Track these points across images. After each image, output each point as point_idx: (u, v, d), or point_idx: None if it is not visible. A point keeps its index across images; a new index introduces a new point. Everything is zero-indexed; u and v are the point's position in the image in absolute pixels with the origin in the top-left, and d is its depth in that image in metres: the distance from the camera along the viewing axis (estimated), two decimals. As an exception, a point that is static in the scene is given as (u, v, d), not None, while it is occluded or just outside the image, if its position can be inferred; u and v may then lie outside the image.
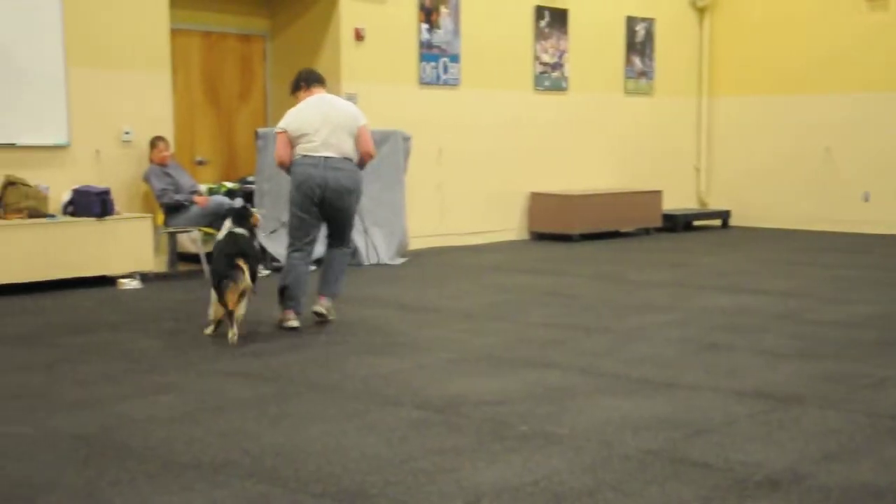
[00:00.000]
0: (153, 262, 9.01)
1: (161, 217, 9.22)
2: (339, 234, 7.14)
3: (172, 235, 9.48)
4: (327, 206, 6.90)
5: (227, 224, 6.68)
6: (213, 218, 9.25)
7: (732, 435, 4.46)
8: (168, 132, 9.46)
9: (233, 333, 6.28)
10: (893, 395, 5.16)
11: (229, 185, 10.14)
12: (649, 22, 14.32)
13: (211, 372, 5.59)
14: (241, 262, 6.29)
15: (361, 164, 7.09)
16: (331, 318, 6.99)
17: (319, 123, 6.90)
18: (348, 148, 6.94)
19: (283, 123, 7.01)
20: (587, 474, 3.94)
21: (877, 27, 13.59)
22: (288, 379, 5.45)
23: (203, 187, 9.79)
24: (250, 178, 10.02)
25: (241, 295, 6.30)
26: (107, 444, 4.27)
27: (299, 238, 6.96)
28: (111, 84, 9.16)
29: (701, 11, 14.97)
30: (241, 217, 6.77)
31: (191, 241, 9.54)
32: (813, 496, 3.72)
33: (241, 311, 6.33)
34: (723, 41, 14.92)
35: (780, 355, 6.09)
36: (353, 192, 6.97)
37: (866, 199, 13.83)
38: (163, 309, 7.63)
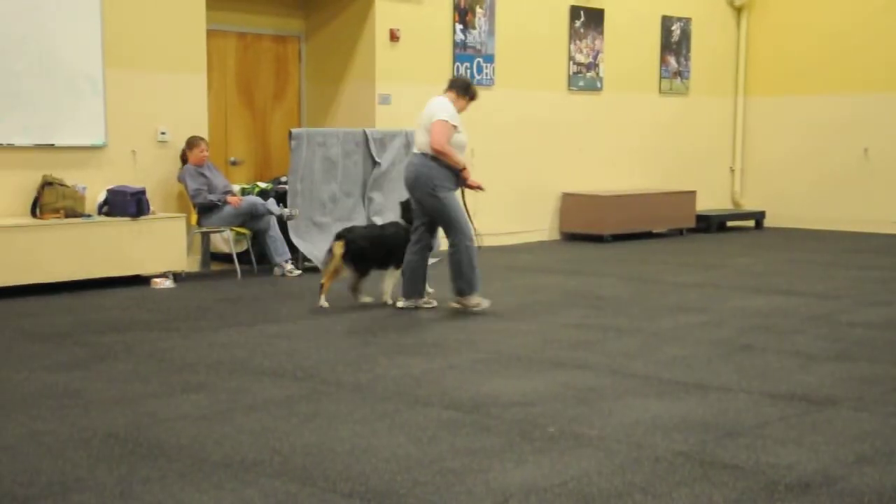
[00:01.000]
0: (186, 261, 9.09)
1: (195, 217, 9.29)
2: (442, 229, 7.54)
3: (205, 235, 9.55)
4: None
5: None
6: (246, 218, 9.32)
7: (764, 437, 4.42)
8: (203, 132, 9.53)
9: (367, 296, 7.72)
10: (929, 399, 5.09)
11: (262, 185, 10.20)
12: (685, 21, 14.22)
13: (242, 371, 5.63)
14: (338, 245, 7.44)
15: (435, 158, 7.38)
16: (468, 309, 7.40)
17: (418, 122, 7.57)
18: (422, 142, 7.40)
19: None
20: (616, 476, 3.92)
21: (916, 26, 13.42)
22: (319, 379, 5.47)
23: (236, 187, 9.86)
24: (283, 179, 10.08)
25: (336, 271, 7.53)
26: (138, 443, 4.31)
27: (414, 228, 7.55)
28: (148, 85, 9.25)
29: (738, 10, 14.84)
30: (406, 210, 7.76)
31: (223, 240, 9.61)
32: (845, 499, 3.68)
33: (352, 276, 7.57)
34: (759, 40, 14.80)
35: (814, 357, 6.03)
36: (414, 186, 7.44)
37: (904, 200, 13.66)
38: (195, 308, 7.69)
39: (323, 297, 7.63)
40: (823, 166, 14.14)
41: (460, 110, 7.50)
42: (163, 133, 9.37)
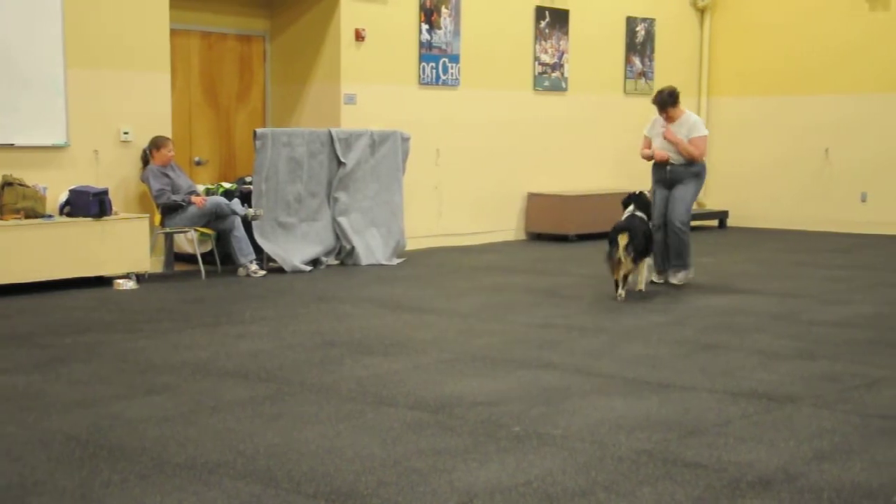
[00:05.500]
0: (149, 262, 9.02)
1: (158, 217, 9.22)
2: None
3: (169, 236, 9.48)
4: None
5: (630, 209, 8.51)
6: (211, 218, 9.26)
7: (726, 435, 4.46)
8: (166, 132, 9.45)
9: (619, 294, 8.07)
10: (887, 396, 5.17)
11: (227, 185, 10.15)
12: (649, 22, 14.32)
13: (206, 372, 5.60)
14: (622, 237, 7.98)
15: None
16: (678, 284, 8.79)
17: None
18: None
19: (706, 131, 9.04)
20: (580, 475, 3.94)
21: (877, 27, 13.59)
22: (283, 379, 5.45)
23: (200, 188, 9.80)
24: (248, 179, 10.03)
25: (619, 263, 8.01)
26: (100, 445, 4.27)
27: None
28: (110, 84, 9.16)
29: (701, 12, 14.96)
30: (642, 203, 8.56)
31: (187, 241, 9.54)
32: (804, 496, 3.72)
33: (622, 272, 8.06)
34: (722, 42, 14.92)
35: (776, 355, 6.10)
36: None
37: (864, 200, 13.83)
38: (158, 309, 7.64)
39: (621, 290, 8.09)
40: (785, 167, 14.29)
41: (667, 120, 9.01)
42: (126, 133, 9.29)
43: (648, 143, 9.08)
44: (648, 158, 9.11)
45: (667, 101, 8.94)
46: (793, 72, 14.22)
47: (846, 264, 10.56)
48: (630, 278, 8.22)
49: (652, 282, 8.80)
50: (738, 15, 14.75)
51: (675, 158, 8.87)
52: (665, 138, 8.87)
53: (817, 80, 14.06)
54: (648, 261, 8.56)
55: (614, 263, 8.10)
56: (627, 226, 8.19)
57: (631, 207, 8.54)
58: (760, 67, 14.38)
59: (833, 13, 13.91)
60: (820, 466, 4.05)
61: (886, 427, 4.61)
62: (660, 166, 8.98)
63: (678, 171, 8.88)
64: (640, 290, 8.43)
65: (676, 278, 8.89)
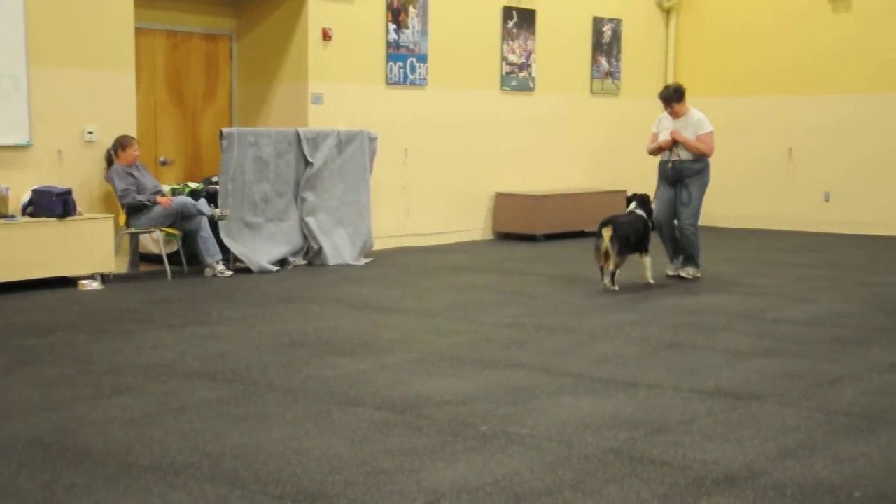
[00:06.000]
0: (114, 263, 8.94)
1: (123, 217, 9.14)
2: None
3: (134, 236, 9.41)
4: None
5: (632, 206, 8.96)
6: (177, 218, 9.20)
7: (692, 433, 4.50)
8: (132, 132, 9.37)
9: (606, 284, 8.52)
10: (849, 393, 5.23)
11: (193, 185, 10.08)
12: (616, 22, 14.39)
13: (172, 373, 5.56)
14: (606, 230, 8.41)
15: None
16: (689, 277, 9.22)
17: None
18: None
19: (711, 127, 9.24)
20: (547, 474, 3.96)
21: (840, 29, 13.74)
22: (250, 380, 5.43)
23: (166, 187, 9.73)
24: (214, 179, 9.97)
25: (606, 254, 8.46)
26: (64, 448, 4.23)
27: None
28: (74, 83, 9.07)
29: (667, 12, 15.07)
30: (644, 202, 8.99)
31: (153, 241, 9.47)
32: (768, 493, 3.76)
33: (611, 267, 8.49)
34: (688, 42, 15.03)
35: (741, 354, 6.15)
36: None
37: (827, 200, 13.99)
38: (123, 310, 7.57)
39: (606, 280, 8.53)
40: (749, 166, 14.40)
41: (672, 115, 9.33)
42: (90, 132, 9.20)
43: (654, 139, 9.38)
44: (656, 152, 9.37)
45: (672, 97, 9.27)
46: (757, 72, 14.34)
47: (810, 263, 10.67)
48: (617, 273, 8.57)
49: (668, 275, 9.30)
50: (704, 16, 14.86)
51: (682, 155, 9.17)
52: (673, 137, 9.15)
53: (781, 81, 14.20)
54: (648, 259, 8.90)
55: (600, 254, 8.54)
56: (611, 220, 8.56)
57: (633, 205, 9.01)
58: (725, 68, 14.49)
59: (797, 15, 14.05)
60: (784, 463, 4.10)
61: (849, 424, 4.67)
62: (666, 163, 9.29)
63: (683, 167, 9.22)
64: (649, 283, 8.86)
65: (686, 272, 9.34)
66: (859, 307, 7.87)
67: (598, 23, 14.13)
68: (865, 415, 4.82)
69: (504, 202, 12.84)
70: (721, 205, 14.69)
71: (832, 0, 13.76)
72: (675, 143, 9.17)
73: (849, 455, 4.21)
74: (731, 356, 6.08)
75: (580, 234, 13.36)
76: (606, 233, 8.45)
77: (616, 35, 14.40)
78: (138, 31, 9.81)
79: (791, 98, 14.16)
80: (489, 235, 12.93)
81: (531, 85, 13.26)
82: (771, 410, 4.89)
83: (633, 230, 8.64)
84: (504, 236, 12.92)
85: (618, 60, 14.45)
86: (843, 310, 7.75)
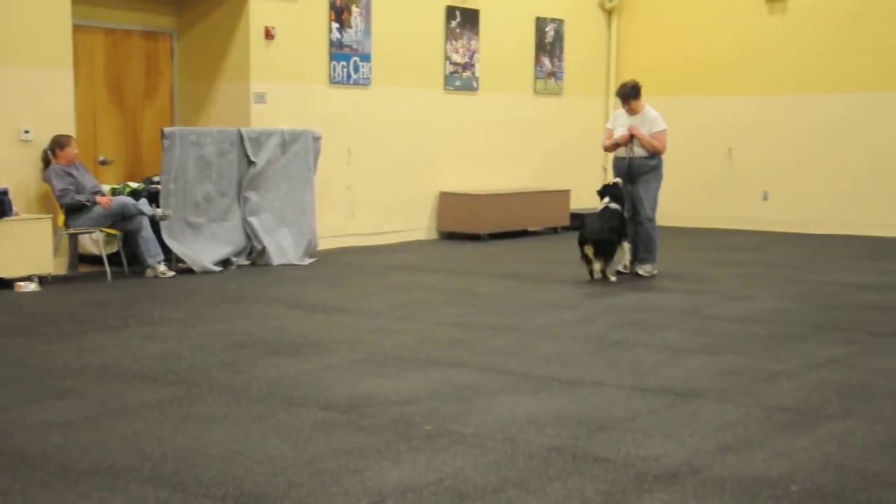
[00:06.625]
0: (53, 264, 8.78)
1: (62, 218, 8.99)
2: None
3: (73, 237, 9.26)
4: None
5: (606, 200, 9.13)
6: (117, 219, 9.07)
7: (633, 430, 4.55)
8: (70, 131, 9.22)
9: (593, 277, 9.00)
10: (786, 389, 5.33)
11: (134, 185, 9.95)
12: (558, 23, 14.49)
13: (111, 376, 5.48)
14: (587, 249, 8.87)
15: None
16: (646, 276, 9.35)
17: None
18: None
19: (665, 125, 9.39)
20: (491, 472, 3.97)
21: (776, 30, 14.00)
22: (192, 382, 5.37)
23: (106, 187, 9.58)
24: (156, 178, 9.84)
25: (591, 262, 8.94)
26: None
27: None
28: (9, 81, 8.89)
29: (609, 13, 15.21)
30: (616, 195, 9.13)
31: (93, 242, 9.33)
32: (708, 488, 3.82)
33: (599, 264, 8.95)
34: (629, 42, 15.19)
35: (682, 351, 6.23)
36: None
37: (765, 199, 14.24)
38: (61, 312, 7.45)
39: (597, 276, 8.96)
40: (691, 165, 14.58)
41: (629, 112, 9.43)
42: (26, 132, 9.03)
43: (610, 135, 9.53)
44: (611, 148, 9.56)
45: (629, 94, 9.40)
46: (697, 72, 14.55)
47: (748, 261, 10.84)
48: (602, 267, 9.02)
49: (618, 272, 9.26)
50: (645, 16, 15.03)
51: (637, 151, 9.31)
52: (630, 133, 9.28)
53: (720, 81, 14.42)
54: (626, 244, 9.24)
55: (587, 262, 9.02)
56: (590, 234, 8.92)
57: (606, 199, 9.16)
58: (666, 68, 14.67)
59: (735, 16, 14.28)
60: (723, 459, 4.16)
61: (786, 419, 4.75)
62: (621, 160, 9.42)
63: (640, 164, 9.34)
64: (625, 268, 9.31)
65: (643, 269, 9.41)
66: (796, 304, 8.02)
67: (540, 23, 14.22)
68: (802, 410, 4.91)
69: (448, 202, 12.86)
70: (662, 204, 14.84)
71: (769, 1, 14.01)
72: (631, 140, 9.28)
73: (786, 449, 4.29)
74: (672, 354, 6.16)
75: (524, 234, 13.45)
76: (589, 251, 8.90)
77: (559, 35, 14.50)
78: (76, 29, 9.65)
79: (730, 98, 14.38)
80: (434, 235, 12.94)
81: (475, 84, 13.30)
82: (711, 407, 4.96)
83: (610, 231, 8.97)
84: (448, 236, 12.94)
85: (561, 60, 14.56)
86: (781, 307, 7.89)
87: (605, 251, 8.95)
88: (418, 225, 12.76)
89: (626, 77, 14.87)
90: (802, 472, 4.01)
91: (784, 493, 3.78)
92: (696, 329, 6.95)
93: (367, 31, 11.82)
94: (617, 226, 9.06)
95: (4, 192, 8.44)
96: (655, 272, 9.45)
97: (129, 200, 9.17)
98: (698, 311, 7.66)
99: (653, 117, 9.39)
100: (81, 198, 8.95)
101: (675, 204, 14.69)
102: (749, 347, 6.36)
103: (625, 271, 9.31)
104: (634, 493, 3.76)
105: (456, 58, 13.01)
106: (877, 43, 13.29)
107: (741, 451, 4.26)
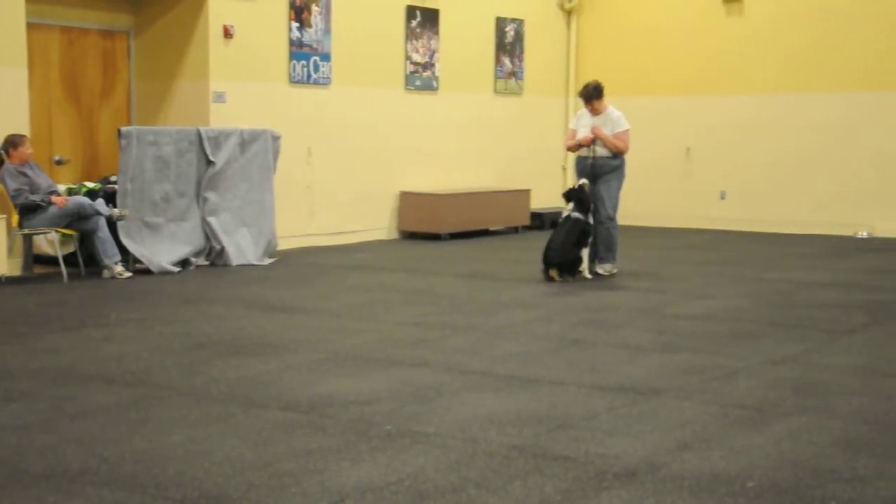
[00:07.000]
0: (7, 265, 8.66)
1: (16, 218, 8.86)
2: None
3: (28, 237, 9.13)
4: None
5: (570, 207, 9.15)
6: (73, 219, 8.96)
7: (593, 428, 4.57)
8: (24, 130, 9.10)
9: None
10: (744, 386, 5.38)
11: (90, 184, 9.83)
12: (518, 23, 14.53)
13: (67, 378, 5.41)
14: (553, 272, 9.01)
15: None
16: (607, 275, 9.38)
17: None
18: None
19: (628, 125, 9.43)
20: (452, 472, 3.97)
21: (734, 32, 14.14)
22: (150, 383, 5.32)
23: (62, 187, 9.46)
24: (113, 178, 9.74)
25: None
26: (-47, 456, 4.08)
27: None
28: (-38, 79, 8.77)
29: (568, 13, 15.28)
30: (581, 201, 9.09)
31: (48, 242, 9.21)
32: (667, 485, 3.85)
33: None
34: (589, 43, 15.27)
35: (641, 349, 6.27)
36: None
37: (723, 198, 14.39)
38: (16, 313, 7.34)
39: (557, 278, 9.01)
40: (649, 165, 14.66)
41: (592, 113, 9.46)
42: (-21, 130, 8.90)
43: (573, 136, 9.57)
44: (575, 148, 9.55)
45: (592, 95, 9.44)
46: (655, 73, 14.66)
47: (707, 260, 10.94)
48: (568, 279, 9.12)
49: (579, 271, 9.26)
50: (604, 17, 15.12)
51: (600, 151, 9.34)
52: (593, 133, 9.32)
53: (678, 82, 14.54)
54: (584, 251, 9.23)
55: (551, 279, 9.07)
56: (554, 259, 9.02)
57: (570, 206, 9.18)
58: (625, 68, 14.75)
59: (693, 17, 14.41)
60: (682, 456, 4.19)
61: (743, 416, 4.80)
62: (584, 159, 9.43)
63: (602, 164, 9.37)
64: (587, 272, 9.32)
65: (603, 269, 9.44)
66: (753, 302, 8.11)
67: (500, 23, 14.25)
68: (759, 407, 4.96)
69: (409, 201, 12.85)
70: (621, 203, 14.94)
71: (726, 3, 14.16)
72: (594, 140, 9.33)
73: (743, 446, 4.33)
74: (632, 352, 6.20)
75: (485, 234, 13.47)
76: (555, 273, 9.03)
77: (519, 35, 14.55)
78: (31, 27, 9.52)
79: (688, 98, 14.51)
80: (394, 235, 12.93)
81: (435, 84, 13.30)
82: (670, 405, 5.00)
83: (574, 246, 9.07)
84: (409, 235, 12.93)
85: (521, 60, 14.60)
86: (738, 305, 7.97)
87: (570, 268, 9.07)
88: (379, 225, 12.73)
89: (586, 77, 14.98)
90: (759, 468, 4.05)
91: (741, 489, 3.82)
92: (656, 328, 7.00)
93: (327, 31, 11.78)
94: (579, 239, 9.11)
95: (-43, 192, 8.31)
96: (615, 271, 9.50)
97: (86, 200, 9.06)
98: (657, 310, 7.72)
99: (616, 117, 9.44)
100: (36, 198, 8.83)
101: (634, 203, 14.78)
102: (707, 345, 6.42)
103: (589, 276, 9.29)
104: (594, 491, 3.78)
105: (416, 57, 13.00)
106: (834, 44, 13.47)
107: (699, 449, 4.29)
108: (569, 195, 9.30)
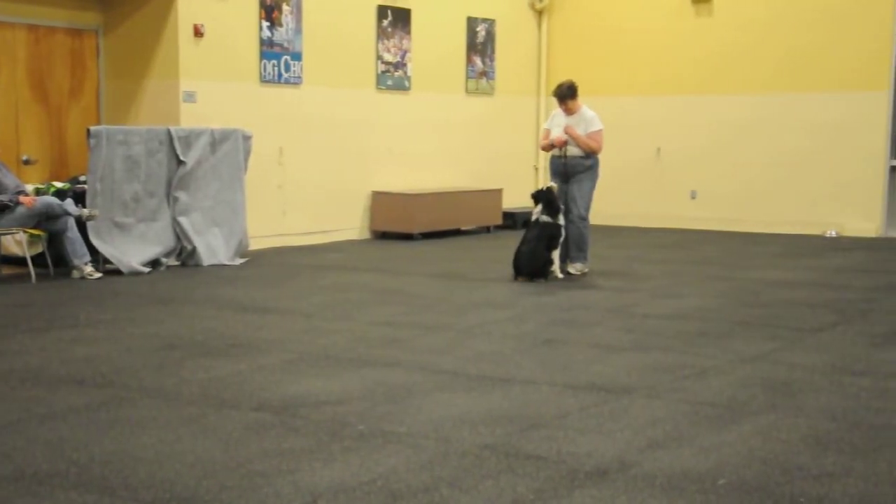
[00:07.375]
0: (-25, 265, 8.57)
1: (-16, 218, 8.77)
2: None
3: (-4, 237, 9.05)
4: None
5: (538, 210, 9.12)
6: (41, 219, 8.88)
7: (565, 427, 4.59)
8: (-9, 129, 9.02)
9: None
10: (714, 385, 5.42)
11: (59, 184, 9.75)
12: (490, 23, 14.55)
13: (36, 380, 5.36)
14: (522, 279, 9.07)
15: None
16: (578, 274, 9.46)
17: None
18: None
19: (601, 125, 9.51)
20: (424, 471, 3.98)
21: (702, 31, 14.24)
22: (120, 385, 5.28)
23: (30, 187, 9.38)
24: (82, 178, 9.66)
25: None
26: (-80, 459, 4.04)
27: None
28: (-73, 78, 8.67)
29: (539, 13, 15.33)
30: (550, 203, 9.09)
31: (16, 243, 9.12)
32: (638, 483, 3.87)
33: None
34: (560, 43, 15.33)
35: (612, 348, 6.31)
36: None
37: (693, 197, 14.49)
38: (-14, 315, 7.27)
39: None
40: (619, 165, 14.73)
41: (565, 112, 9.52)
42: (-54, 129, 8.81)
43: (547, 135, 9.65)
44: (548, 148, 9.62)
45: (566, 94, 9.48)
46: (626, 73, 14.74)
47: (677, 259, 11.01)
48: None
49: (550, 271, 9.23)
50: (575, 17, 15.18)
51: (573, 151, 9.40)
52: (567, 133, 9.37)
53: (649, 82, 14.63)
54: (555, 253, 9.19)
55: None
56: (523, 267, 9.05)
57: (539, 209, 9.15)
58: (596, 68, 14.82)
59: (663, 18, 14.50)
60: (653, 454, 4.22)
61: (713, 414, 4.84)
62: (557, 158, 9.50)
63: (575, 163, 9.43)
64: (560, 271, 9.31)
65: (574, 268, 9.50)
66: (722, 301, 8.17)
67: (472, 23, 14.27)
68: (729, 405, 5.00)
69: (381, 201, 12.84)
70: (594, 202, 15.02)
71: (696, 3, 14.26)
72: (566, 142, 9.37)
73: (713, 444, 4.36)
74: (603, 351, 6.23)
75: (457, 233, 13.48)
76: (525, 279, 9.06)
77: (490, 35, 14.57)
78: (-2, 25, 9.43)
79: (658, 98, 14.60)
80: (366, 235, 12.91)
81: (407, 84, 13.30)
82: (641, 403, 5.03)
83: (544, 250, 9.07)
84: (381, 235, 12.92)
85: (492, 60, 14.63)
86: (708, 304, 8.03)
87: (542, 272, 9.08)
88: (351, 225, 12.71)
89: (557, 77, 15.04)
90: (729, 466, 4.08)
91: (711, 486, 3.85)
92: (626, 326, 7.04)
93: (298, 30, 11.75)
94: (548, 244, 9.12)
95: (-77, 192, 8.21)
96: (586, 270, 9.54)
97: (54, 200, 8.98)
98: (628, 309, 7.76)
99: (590, 117, 9.48)
100: (4, 198, 8.74)
101: (605, 203, 14.85)
102: (678, 344, 6.46)
103: (560, 276, 9.30)
104: (566, 490, 3.80)
105: (388, 57, 12.99)
106: (803, 45, 13.59)
107: (670, 447, 4.32)
108: (537, 197, 9.30)
